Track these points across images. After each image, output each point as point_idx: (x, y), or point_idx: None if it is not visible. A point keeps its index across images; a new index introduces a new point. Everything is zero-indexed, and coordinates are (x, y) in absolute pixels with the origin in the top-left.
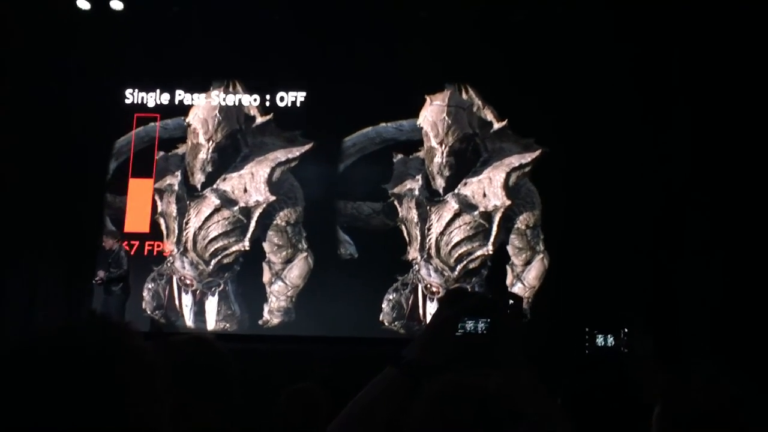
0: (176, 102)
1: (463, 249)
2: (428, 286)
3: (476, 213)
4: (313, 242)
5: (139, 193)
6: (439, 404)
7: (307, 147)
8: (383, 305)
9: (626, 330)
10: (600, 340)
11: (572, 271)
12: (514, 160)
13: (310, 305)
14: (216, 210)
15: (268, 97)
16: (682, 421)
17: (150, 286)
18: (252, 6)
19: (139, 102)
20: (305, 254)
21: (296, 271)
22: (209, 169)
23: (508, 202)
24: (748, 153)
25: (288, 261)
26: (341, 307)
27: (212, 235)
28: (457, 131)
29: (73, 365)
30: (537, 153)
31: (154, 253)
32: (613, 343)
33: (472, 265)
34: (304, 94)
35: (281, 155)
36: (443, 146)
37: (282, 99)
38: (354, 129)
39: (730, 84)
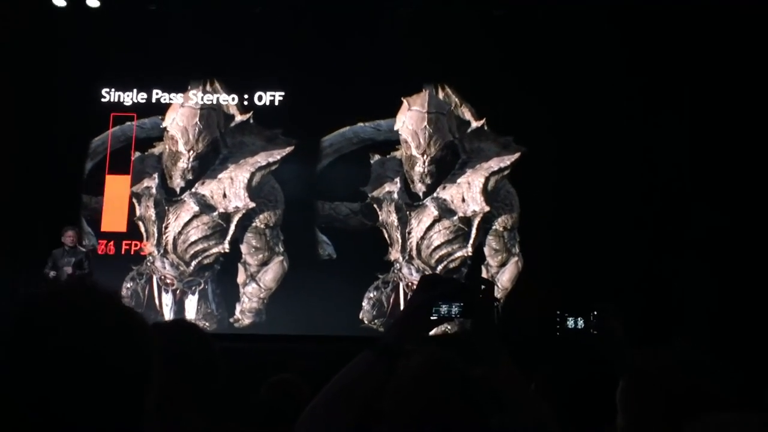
0: (153, 101)
1: (443, 251)
2: (410, 284)
3: (455, 218)
4: (291, 243)
5: (115, 190)
6: (420, 378)
7: (288, 150)
8: (364, 303)
9: (595, 313)
10: (570, 323)
11: (545, 272)
12: (494, 164)
13: (285, 306)
14: (195, 216)
15: (246, 96)
16: (644, 393)
17: (129, 285)
18: (230, 4)
19: (116, 101)
20: (281, 258)
21: (270, 274)
22: (189, 177)
23: (487, 208)
24: (719, 143)
25: (264, 264)
26: (319, 306)
27: (192, 239)
28: (438, 140)
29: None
30: (516, 156)
31: (132, 252)
32: (583, 325)
33: (452, 265)
34: (282, 93)
35: (262, 159)
36: (425, 156)
37: (260, 98)
38: (332, 128)
39: (715, 74)
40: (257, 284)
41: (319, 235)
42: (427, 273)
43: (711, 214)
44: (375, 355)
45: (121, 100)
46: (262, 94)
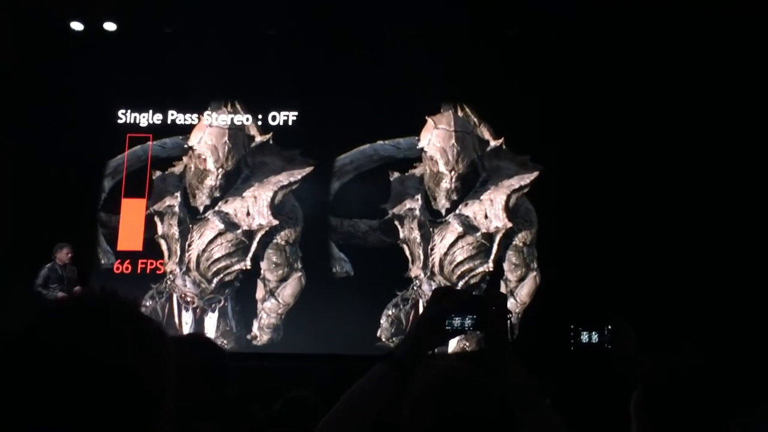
0: (169, 122)
1: (465, 267)
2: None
3: (478, 234)
4: (308, 260)
5: (131, 213)
6: (437, 391)
7: (308, 169)
8: (382, 321)
9: (610, 327)
10: (584, 337)
11: (562, 287)
12: (514, 182)
13: (302, 323)
14: (220, 233)
15: (260, 116)
16: (658, 404)
17: (148, 304)
18: (243, 26)
19: (132, 122)
20: (299, 274)
21: (289, 290)
22: (216, 194)
23: (510, 225)
24: (743, 171)
25: (283, 279)
26: (336, 324)
27: (216, 256)
28: (465, 158)
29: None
30: (535, 174)
31: (147, 271)
32: (597, 339)
33: (473, 281)
34: (296, 113)
35: (284, 178)
36: (453, 172)
37: (274, 118)
38: (348, 146)
39: (724, 100)
40: (276, 300)
41: (336, 251)
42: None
43: (724, 227)
44: (388, 367)
45: (137, 121)
46: (276, 114)
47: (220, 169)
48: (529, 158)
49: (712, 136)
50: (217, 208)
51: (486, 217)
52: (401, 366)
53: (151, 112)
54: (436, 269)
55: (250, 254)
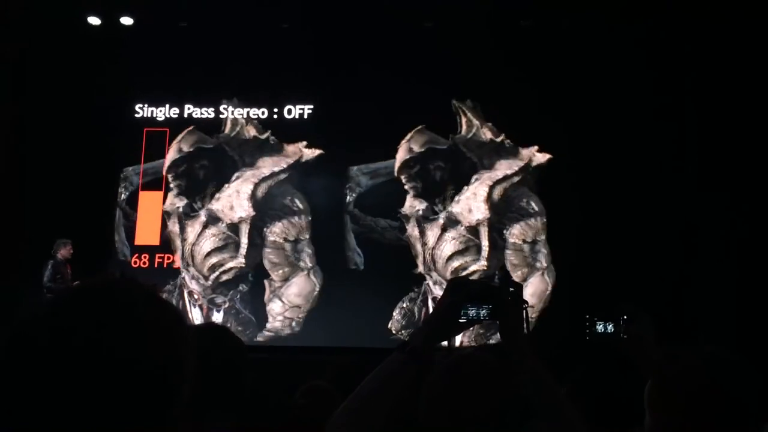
0: (185, 116)
1: (456, 263)
2: (435, 298)
3: (462, 228)
4: (324, 257)
5: (149, 206)
6: (455, 380)
7: (293, 159)
8: (395, 312)
9: (625, 317)
10: (600, 327)
11: (578, 286)
12: (499, 173)
13: (315, 320)
14: (205, 226)
15: (276, 110)
16: (670, 395)
17: (165, 297)
18: (258, 20)
19: (149, 116)
20: (306, 272)
21: (294, 289)
22: (212, 190)
23: (488, 215)
24: (758, 154)
25: (286, 279)
26: (349, 319)
27: (205, 250)
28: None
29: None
30: (524, 162)
31: (164, 265)
32: (612, 329)
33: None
34: (311, 106)
35: (266, 170)
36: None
37: (290, 112)
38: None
39: (740, 87)
40: (281, 300)
41: (352, 242)
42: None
43: (737, 215)
44: (404, 357)
45: (154, 115)
46: (291, 107)
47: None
48: (536, 149)
49: (730, 123)
50: (208, 206)
51: (470, 210)
52: (417, 356)
53: (168, 106)
54: (431, 264)
55: (242, 250)
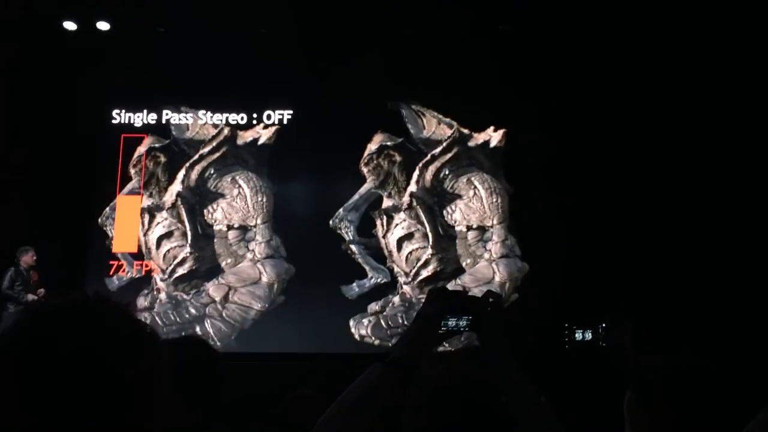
0: (163, 122)
1: (406, 250)
2: (401, 288)
3: (402, 214)
4: (298, 258)
5: (127, 210)
6: (439, 392)
7: (222, 136)
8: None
9: (604, 325)
10: (579, 335)
11: (550, 276)
12: (428, 155)
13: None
14: (151, 215)
15: (255, 115)
16: (650, 403)
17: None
18: (236, 25)
19: (127, 122)
20: (249, 261)
21: (232, 278)
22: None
23: (411, 194)
24: (729, 144)
25: (234, 272)
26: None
27: (153, 237)
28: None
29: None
30: (450, 139)
31: (143, 272)
32: (591, 337)
33: (424, 273)
34: (291, 111)
35: (196, 154)
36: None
37: (269, 117)
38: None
39: (722, 80)
40: (233, 295)
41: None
42: (401, 278)
43: (720, 215)
44: (384, 369)
45: (132, 121)
46: (271, 113)
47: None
48: (492, 129)
49: (707, 114)
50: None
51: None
52: (398, 367)
53: (145, 111)
54: (386, 252)
55: (189, 239)
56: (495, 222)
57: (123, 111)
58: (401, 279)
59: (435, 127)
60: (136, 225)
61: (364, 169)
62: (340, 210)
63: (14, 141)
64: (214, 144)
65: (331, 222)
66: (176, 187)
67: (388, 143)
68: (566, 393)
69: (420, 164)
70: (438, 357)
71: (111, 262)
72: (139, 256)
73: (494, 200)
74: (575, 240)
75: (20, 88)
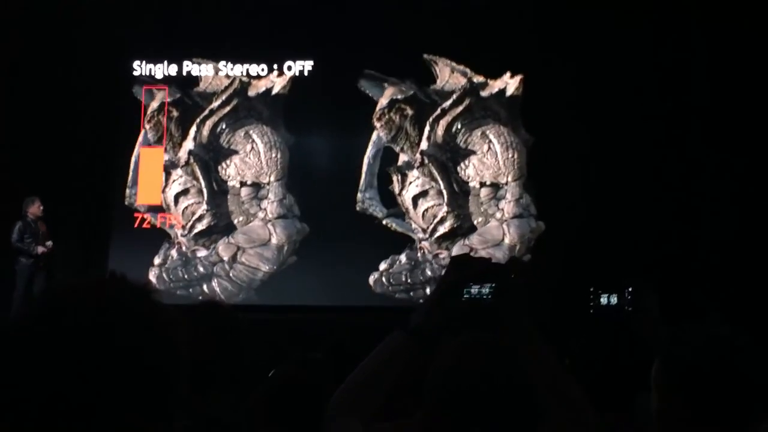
0: (184, 73)
1: (422, 207)
2: (421, 247)
3: (414, 171)
4: (313, 213)
5: (149, 162)
6: (462, 361)
7: (231, 89)
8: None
9: (630, 289)
10: (604, 300)
11: (568, 238)
12: (439, 108)
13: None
14: (165, 171)
15: (275, 66)
16: (679, 375)
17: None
18: None
19: (147, 74)
20: (260, 221)
21: (241, 238)
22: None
23: (424, 148)
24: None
25: (244, 231)
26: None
27: (171, 195)
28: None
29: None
30: (458, 93)
31: (167, 224)
32: (616, 301)
33: (441, 229)
34: (312, 62)
35: (207, 108)
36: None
37: (290, 68)
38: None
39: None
40: (230, 239)
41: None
42: (420, 235)
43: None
44: (405, 336)
45: (152, 72)
46: (291, 63)
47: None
48: (509, 75)
49: (738, 66)
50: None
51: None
52: (419, 335)
53: (166, 63)
54: (403, 207)
55: (205, 195)
56: (510, 179)
57: (143, 62)
58: (419, 235)
59: (448, 76)
60: (159, 177)
61: (377, 125)
62: (359, 193)
63: (34, 95)
64: (224, 97)
65: (357, 208)
66: (188, 144)
67: (399, 96)
68: (588, 358)
69: (430, 119)
70: (459, 326)
71: (135, 215)
72: (161, 208)
73: (510, 155)
74: (597, 196)
75: (40, 41)
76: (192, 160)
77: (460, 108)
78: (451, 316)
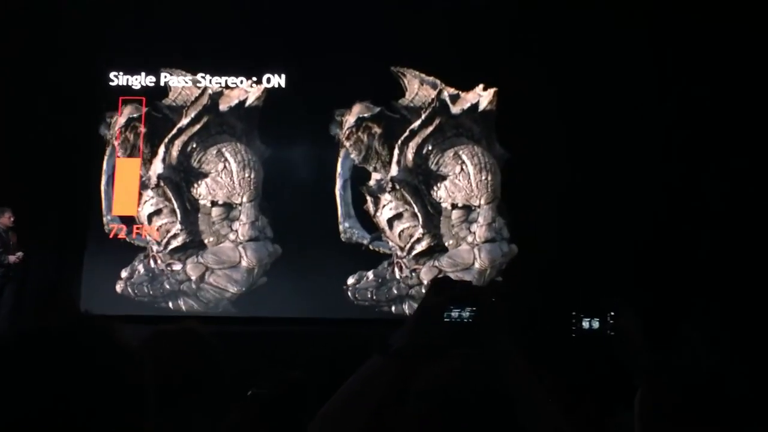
0: (161, 84)
1: (397, 228)
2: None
3: (387, 194)
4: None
5: (125, 173)
6: (444, 387)
7: (200, 105)
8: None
9: (612, 313)
10: (586, 324)
11: (539, 256)
12: (407, 128)
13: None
14: (143, 188)
15: (254, 78)
16: (663, 405)
17: (140, 270)
18: None
19: (125, 84)
20: (231, 243)
21: (210, 257)
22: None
23: (394, 173)
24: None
25: (213, 252)
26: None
27: (144, 214)
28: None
29: (64, 366)
30: (426, 114)
31: (143, 236)
32: (598, 325)
33: (419, 247)
34: (289, 74)
35: (175, 128)
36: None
37: (269, 80)
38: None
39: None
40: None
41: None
42: (400, 254)
43: (727, 194)
44: (385, 360)
45: (130, 83)
46: (270, 76)
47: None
48: (481, 87)
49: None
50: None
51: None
52: (399, 358)
53: (143, 74)
54: (387, 232)
55: (179, 215)
56: (482, 202)
57: (120, 73)
58: (398, 253)
59: (417, 88)
60: (135, 189)
61: (346, 143)
62: (339, 225)
63: (9, 103)
64: (194, 114)
65: (342, 239)
66: (157, 166)
67: (365, 114)
68: (570, 382)
69: (399, 141)
70: (439, 351)
71: (111, 225)
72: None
73: (483, 177)
74: (572, 217)
75: (16, 50)
76: (162, 184)
77: (430, 128)
78: (432, 339)
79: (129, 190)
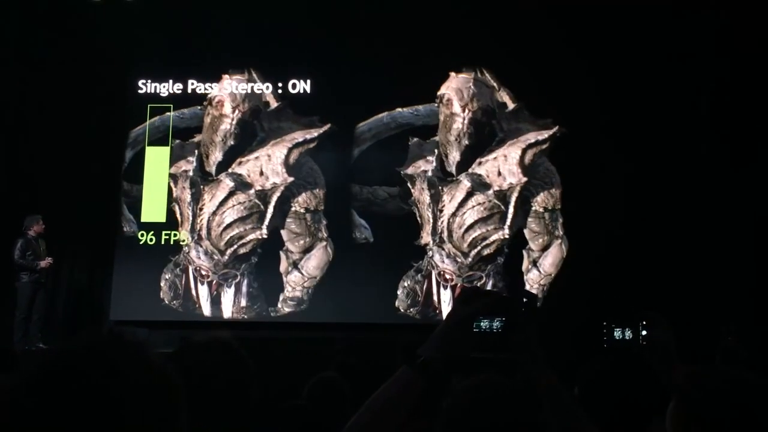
0: (189, 91)
1: (477, 233)
2: (441, 273)
3: (490, 192)
4: (331, 228)
5: (154, 180)
6: (474, 402)
7: (325, 128)
8: (399, 292)
9: (644, 323)
10: (618, 334)
11: (590, 259)
12: (531, 137)
13: (324, 292)
14: (231, 194)
15: (280, 84)
16: (696, 420)
17: (167, 277)
18: None
19: (153, 92)
20: (324, 243)
21: (314, 261)
22: (231, 141)
23: (524, 179)
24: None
25: (306, 250)
26: (357, 293)
27: (227, 221)
28: (481, 100)
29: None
30: (554, 129)
31: (171, 242)
32: (631, 336)
33: (486, 251)
34: (316, 80)
35: (299, 136)
36: (466, 111)
37: (294, 86)
38: (368, 113)
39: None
40: (300, 272)
41: (356, 218)
42: (458, 260)
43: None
44: (414, 371)
45: (158, 91)
46: (296, 81)
47: (236, 111)
48: (550, 121)
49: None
50: (230, 170)
51: (499, 174)
52: (428, 371)
53: (171, 81)
54: (445, 234)
55: (266, 221)
56: (560, 205)
57: (149, 81)
58: (459, 259)
59: (493, 91)
60: (163, 195)
61: (452, 86)
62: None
63: (41, 113)
64: (316, 134)
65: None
66: (277, 168)
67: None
68: (599, 387)
69: (523, 144)
70: (469, 363)
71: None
72: (166, 225)
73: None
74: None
75: (47, 59)
76: (279, 187)
77: (546, 145)
78: (461, 350)
79: (157, 196)
